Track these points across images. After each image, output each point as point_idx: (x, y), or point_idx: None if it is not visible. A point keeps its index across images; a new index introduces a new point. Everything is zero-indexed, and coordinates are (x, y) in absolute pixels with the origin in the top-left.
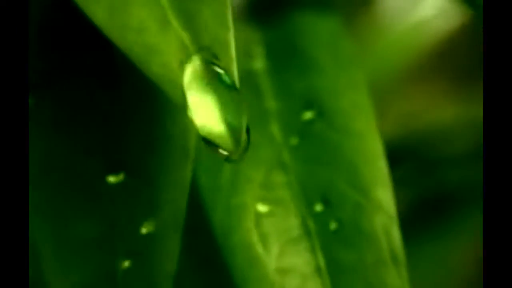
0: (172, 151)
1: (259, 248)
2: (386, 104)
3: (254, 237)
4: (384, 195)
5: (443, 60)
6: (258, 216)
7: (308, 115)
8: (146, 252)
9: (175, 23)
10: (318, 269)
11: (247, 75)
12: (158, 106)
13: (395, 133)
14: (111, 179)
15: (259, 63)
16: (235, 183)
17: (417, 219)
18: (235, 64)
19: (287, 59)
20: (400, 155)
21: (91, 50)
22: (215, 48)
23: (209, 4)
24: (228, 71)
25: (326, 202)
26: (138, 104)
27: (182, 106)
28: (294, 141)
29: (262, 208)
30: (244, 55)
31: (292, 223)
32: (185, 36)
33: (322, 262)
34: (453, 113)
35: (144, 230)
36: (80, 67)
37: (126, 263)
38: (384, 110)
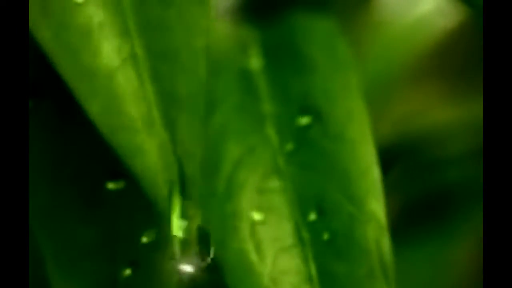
0: None
1: (254, 256)
2: (383, 104)
3: (249, 245)
4: (376, 207)
5: (441, 60)
6: (253, 224)
7: (304, 120)
8: (147, 260)
9: (158, 123)
10: (310, 279)
11: (243, 74)
12: None
13: (391, 133)
14: (111, 185)
15: (255, 63)
16: (231, 188)
17: (413, 221)
18: (199, 176)
19: (283, 58)
20: (396, 156)
21: None
22: (186, 159)
23: (186, 111)
24: (193, 179)
25: (320, 211)
26: None
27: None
28: (289, 146)
29: (257, 216)
30: (240, 54)
31: (286, 231)
32: (166, 137)
33: (314, 271)
34: (451, 113)
35: (145, 239)
36: None
37: (127, 271)
38: (380, 111)
